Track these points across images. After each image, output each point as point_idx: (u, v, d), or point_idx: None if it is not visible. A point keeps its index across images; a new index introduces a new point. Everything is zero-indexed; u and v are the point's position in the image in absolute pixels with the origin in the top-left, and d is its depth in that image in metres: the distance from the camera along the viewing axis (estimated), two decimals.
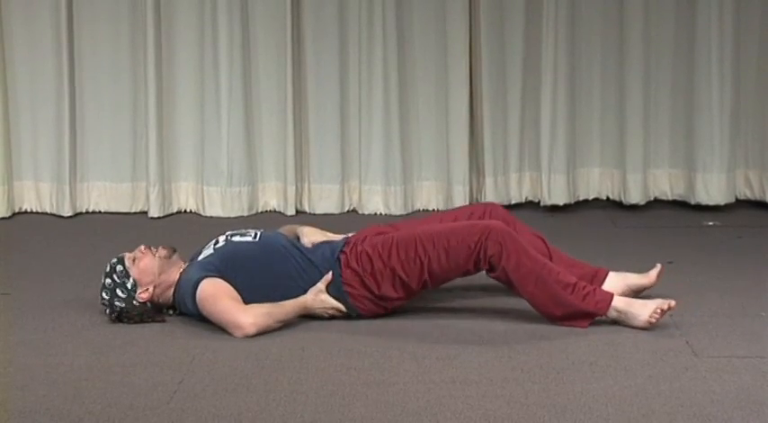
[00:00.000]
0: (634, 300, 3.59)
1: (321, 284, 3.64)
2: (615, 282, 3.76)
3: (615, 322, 3.56)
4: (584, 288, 3.55)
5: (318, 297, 3.64)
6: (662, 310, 3.49)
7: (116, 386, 3.14)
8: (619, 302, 3.56)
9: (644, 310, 3.52)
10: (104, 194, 5.33)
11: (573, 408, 2.96)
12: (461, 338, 3.51)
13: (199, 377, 3.21)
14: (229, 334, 3.54)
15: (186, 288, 3.62)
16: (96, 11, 5.24)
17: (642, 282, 3.79)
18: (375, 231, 3.77)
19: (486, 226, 3.55)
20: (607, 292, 3.59)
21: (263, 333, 3.53)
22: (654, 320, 3.51)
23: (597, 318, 3.56)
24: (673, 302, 3.51)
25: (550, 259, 3.69)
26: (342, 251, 3.67)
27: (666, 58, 5.30)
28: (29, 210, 5.34)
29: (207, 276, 3.60)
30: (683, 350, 3.40)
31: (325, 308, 3.64)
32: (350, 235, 3.81)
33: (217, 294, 3.56)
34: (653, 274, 3.79)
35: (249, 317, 3.52)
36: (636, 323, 3.52)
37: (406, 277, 3.59)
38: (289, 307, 3.60)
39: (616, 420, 2.90)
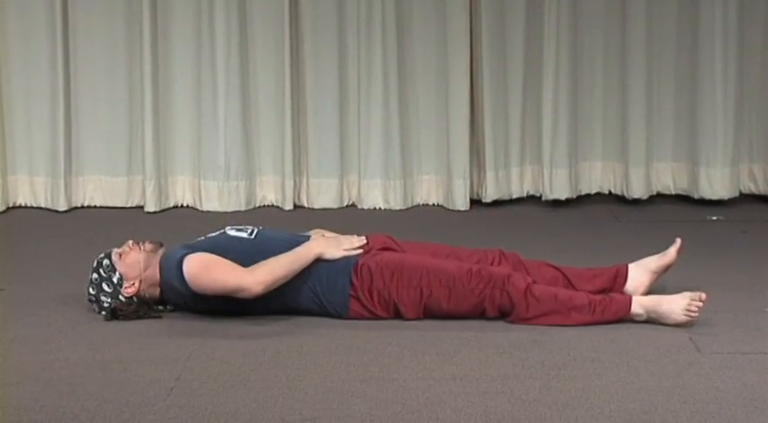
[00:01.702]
0: (660, 297, 3.57)
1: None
2: (638, 274, 3.75)
3: (647, 322, 3.54)
4: (600, 303, 3.55)
5: (324, 237, 3.63)
6: (698, 307, 3.48)
7: (112, 383, 3.12)
8: (643, 303, 3.55)
9: (674, 307, 3.51)
10: (100, 189, 5.31)
11: (574, 404, 2.95)
12: (461, 335, 3.49)
13: (196, 374, 3.19)
14: (223, 327, 3.52)
15: (170, 268, 3.56)
16: (92, 3, 5.22)
17: (663, 262, 3.77)
18: (381, 243, 3.72)
19: (490, 276, 3.54)
20: (624, 298, 3.57)
21: (272, 287, 3.49)
22: (693, 318, 3.49)
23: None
24: (703, 295, 3.50)
25: (569, 282, 3.70)
26: (355, 261, 3.62)
27: (669, 50, 5.28)
28: (23, 204, 5.31)
29: (189, 252, 3.56)
30: (686, 346, 3.38)
31: (337, 243, 3.61)
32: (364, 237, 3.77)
33: (209, 265, 3.51)
34: (672, 252, 3.77)
35: (252, 276, 3.49)
36: (669, 322, 3.51)
37: (403, 307, 3.58)
38: (299, 254, 3.55)
39: (618, 417, 2.88)
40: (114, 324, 3.61)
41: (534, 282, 3.59)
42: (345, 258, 3.61)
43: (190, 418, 2.89)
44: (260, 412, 2.92)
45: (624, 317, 3.54)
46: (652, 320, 3.53)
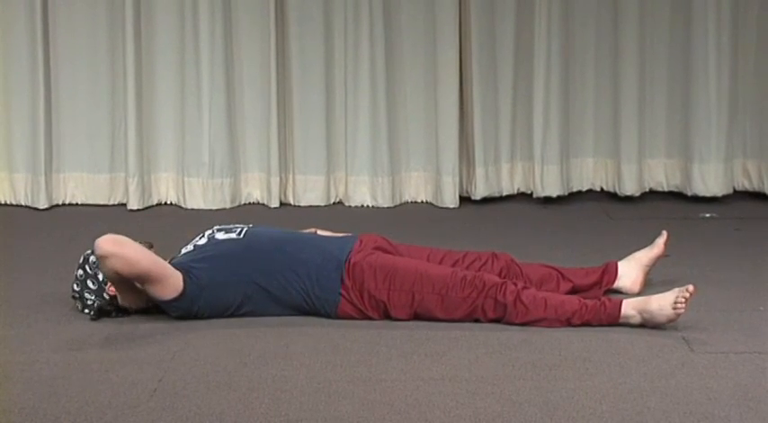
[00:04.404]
0: (648, 297, 3.55)
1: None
2: (632, 271, 3.80)
3: (642, 325, 3.50)
4: (592, 306, 3.53)
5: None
6: (685, 299, 3.46)
7: (94, 384, 3.08)
8: (634, 305, 3.52)
9: (664, 303, 3.48)
10: (81, 186, 5.27)
11: (565, 405, 2.92)
12: (450, 334, 3.46)
13: (180, 374, 3.15)
14: (207, 327, 3.51)
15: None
16: None
17: (653, 254, 3.83)
18: (373, 243, 3.69)
19: (483, 285, 3.54)
20: (615, 302, 3.55)
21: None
22: (681, 311, 3.46)
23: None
24: (691, 287, 3.48)
25: (562, 276, 3.73)
26: (347, 259, 3.59)
27: (662, 45, 5.27)
28: (2, 202, 5.26)
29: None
30: (678, 346, 3.35)
31: None
32: (350, 235, 3.76)
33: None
34: (660, 243, 3.83)
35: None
36: (662, 319, 3.48)
37: (392, 309, 3.56)
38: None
39: (610, 418, 2.85)
40: (96, 324, 3.57)
41: (525, 286, 3.57)
42: (337, 256, 3.58)
43: (173, 419, 2.85)
44: (245, 414, 2.88)
45: (615, 321, 3.52)
46: (646, 322, 3.51)
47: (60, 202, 5.27)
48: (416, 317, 3.57)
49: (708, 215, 5.07)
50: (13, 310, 3.73)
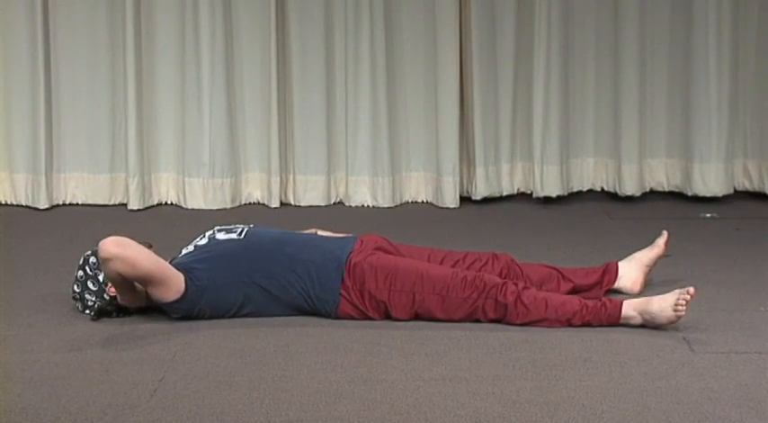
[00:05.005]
0: (649, 298, 3.54)
1: None
2: (632, 270, 3.81)
3: (643, 326, 3.50)
4: (592, 307, 3.53)
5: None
6: (686, 301, 3.46)
7: (94, 384, 3.08)
8: (634, 306, 3.52)
9: (665, 305, 3.48)
10: (82, 186, 5.27)
11: (566, 405, 2.92)
12: (451, 334, 3.46)
13: (180, 374, 3.15)
14: (208, 327, 3.51)
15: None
16: None
17: (654, 254, 3.85)
18: (374, 243, 3.70)
19: (484, 285, 3.54)
20: (615, 302, 3.55)
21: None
22: (681, 313, 3.46)
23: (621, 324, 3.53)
24: (692, 289, 3.47)
25: (562, 276, 3.74)
26: (347, 260, 3.60)
27: (663, 43, 5.27)
28: (3, 202, 5.26)
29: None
30: (679, 346, 3.35)
31: None
32: (350, 235, 3.77)
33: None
34: (660, 243, 3.85)
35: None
36: (662, 320, 3.48)
37: (393, 309, 3.56)
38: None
39: (610, 418, 2.85)
40: (97, 324, 3.57)
41: (526, 287, 3.57)
42: (338, 257, 3.58)
43: (174, 419, 2.85)
44: (246, 414, 2.88)
45: (616, 322, 3.52)
46: (646, 322, 3.51)
47: (61, 202, 5.26)
48: (417, 317, 3.57)
49: (708, 215, 5.06)
50: (13, 310, 3.72)
